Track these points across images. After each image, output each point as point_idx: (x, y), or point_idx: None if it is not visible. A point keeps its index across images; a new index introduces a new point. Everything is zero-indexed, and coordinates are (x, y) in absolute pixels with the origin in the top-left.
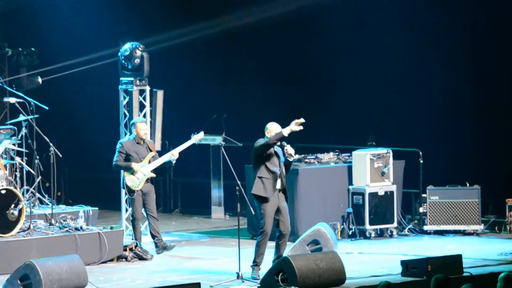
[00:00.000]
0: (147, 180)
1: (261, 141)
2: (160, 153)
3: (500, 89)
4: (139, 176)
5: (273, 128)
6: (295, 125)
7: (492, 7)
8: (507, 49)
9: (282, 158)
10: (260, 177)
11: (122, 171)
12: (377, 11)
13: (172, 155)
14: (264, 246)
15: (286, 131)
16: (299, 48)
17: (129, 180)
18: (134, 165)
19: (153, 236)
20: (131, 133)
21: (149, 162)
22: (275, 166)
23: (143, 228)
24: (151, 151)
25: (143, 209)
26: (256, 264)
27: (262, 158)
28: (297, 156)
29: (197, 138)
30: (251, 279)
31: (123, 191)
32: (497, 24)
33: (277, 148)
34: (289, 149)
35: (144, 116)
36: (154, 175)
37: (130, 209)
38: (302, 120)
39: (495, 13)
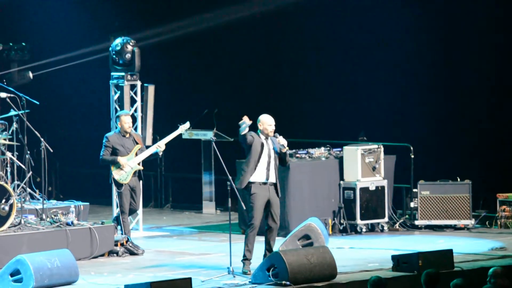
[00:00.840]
0: (134, 173)
1: (249, 134)
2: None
3: (490, 85)
4: (126, 169)
5: (265, 120)
6: (246, 119)
7: None
8: (498, 44)
9: (283, 149)
10: (241, 168)
11: (110, 166)
12: (362, 4)
13: (158, 147)
14: (253, 239)
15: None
16: (290, 42)
17: (116, 174)
18: (120, 159)
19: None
20: (117, 127)
21: (136, 154)
22: (258, 157)
23: (134, 223)
24: (137, 143)
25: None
26: (246, 258)
27: (248, 150)
28: (287, 149)
29: (184, 128)
30: (241, 274)
31: (113, 186)
32: (482, 19)
33: (270, 140)
34: (281, 140)
35: (136, 111)
36: (141, 167)
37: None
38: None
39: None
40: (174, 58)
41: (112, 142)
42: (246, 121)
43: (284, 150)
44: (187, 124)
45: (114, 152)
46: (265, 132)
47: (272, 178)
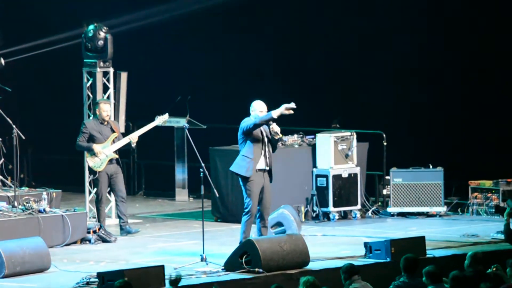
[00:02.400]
0: (111, 161)
1: (247, 121)
2: (124, 135)
3: (464, 73)
4: (101, 157)
5: (258, 107)
6: (285, 110)
7: None
8: (476, 34)
9: (276, 136)
10: (243, 155)
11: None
12: None
13: (131, 139)
14: (250, 226)
15: (276, 113)
16: (263, 28)
17: (91, 161)
18: (95, 146)
19: (119, 217)
20: (95, 114)
21: (113, 142)
22: (260, 144)
23: (107, 210)
24: (114, 132)
25: (110, 191)
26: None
27: (248, 137)
28: (281, 136)
29: (161, 120)
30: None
31: (86, 173)
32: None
33: (263, 128)
34: (275, 127)
35: (108, 98)
36: (116, 156)
37: (94, 191)
38: (293, 105)
39: None
40: (147, 44)
41: (89, 128)
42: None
43: (277, 137)
44: (166, 116)
45: (91, 138)
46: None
47: (268, 165)
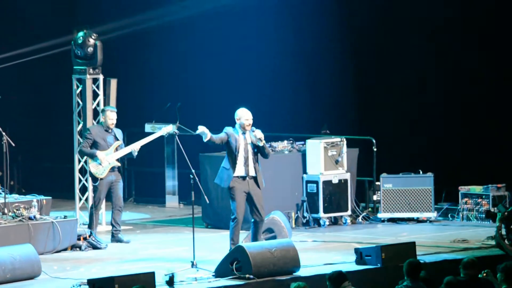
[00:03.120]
0: (113, 169)
1: (224, 130)
2: None
3: (451, 77)
4: (104, 164)
5: (242, 114)
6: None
7: None
8: (462, 37)
9: (260, 143)
10: (222, 166)
11: (85, 158)
12: None
13: (133, 148)
14: (238, 232)
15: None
16: (251, 36)
17: (93, 167)
18: (98, 153)
19: (112, 225)
20: (98, 121)
21: (116, 150)
22: (235, 154)
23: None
24: (118, 140)
25: (107, 198)
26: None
27: (226, 148)
28: (264, 142)
29: (165, 130)
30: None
31: (76, 180)
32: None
33: (248, 134)
34: (258, 133)
35: (98, 105)
36: (118, 164)
37: (91, 196)
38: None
39: None
40: (137, 51)
41: (94, 134)
42: (201, 130)
43: (261, 144)
44: (170, 127)
45: (95, 145)
46: (242, 126)
47: (252, 172)
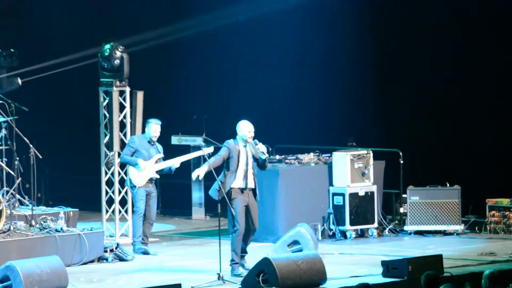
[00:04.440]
0: (150, 180)
1: (225, 144)
2: None
3: (483, 90)
4: (143, 174)
5: (244, 127)
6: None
7: None
8: (496, 50)
9: (263, 156)
10: (219, 180)
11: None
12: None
13: (173, 163)
14: (239, 243)
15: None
16: (276, 49)
17: (134, 175)
18: (141, 161)
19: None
20: (143, 131)
21: (155, 163)
22: (235, 167)
23: (124, 228)
24: (159, 152)
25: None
26: (235, 262)
27: (224, 161)
28: (267, 155)
29: (207, 151)
30: (235, 276)
31: (103, 192)
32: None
33: (249, 147)
34: (261, 147)
35: (125, 117)
36: (157, 176)
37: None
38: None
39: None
40: (163, 63)
41: (137, 144)
42: (196, 174)
43: (264, 157)
44: (211, 148)
45: (137, 154)
46: (244, 139)
47: (251, 184)
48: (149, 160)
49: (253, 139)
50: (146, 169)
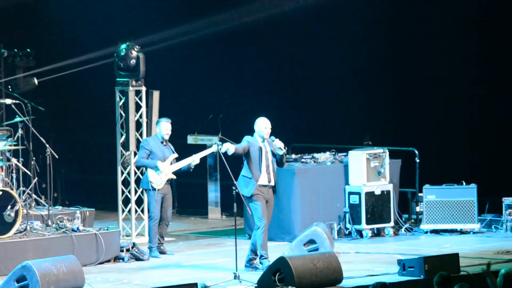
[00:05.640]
0: (167, 181)
1: (244, 139)
2: None
3: (498, 87)
4: (162, 175)
5: (261, 123)
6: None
7: None
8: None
9: (280, 152)
10: (242, 175)
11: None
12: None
13: (194, 160)
14: (266, 239)
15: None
16: (293, 48)
17: (153, 177)
18: (159, 163)
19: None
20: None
21: (171, 163)
22: (258, 163)
23: (139, 228)
24: (173, 153)
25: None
26: (264, 257)
27: (246, 157)
28: (285, 151)
29: (226, 147)
30: (258, 270)
31: (119, 192)
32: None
33: (267, 143)
34: (278, 143)
35: (141, 116)
36: (174, 177)
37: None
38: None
39: None
40: (179, 63)
41: (151, 146)
42: (226, 147)
43: (281, 153)
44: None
45: (151, 156)
46: (261, 135)
47: (272, 181)
48: (164, 162)
49: (270, 135)
50: (165, 170)
